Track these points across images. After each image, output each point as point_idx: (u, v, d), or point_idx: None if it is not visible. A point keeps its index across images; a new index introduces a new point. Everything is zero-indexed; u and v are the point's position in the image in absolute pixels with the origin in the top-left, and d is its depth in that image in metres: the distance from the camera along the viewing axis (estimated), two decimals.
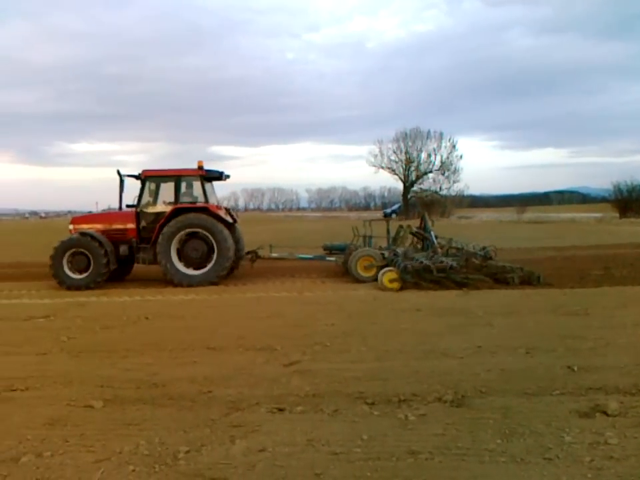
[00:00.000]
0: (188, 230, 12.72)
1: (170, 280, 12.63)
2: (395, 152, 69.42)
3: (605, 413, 4.35)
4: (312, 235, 26.16)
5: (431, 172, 68.36)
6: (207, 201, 13.08)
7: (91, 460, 3.76)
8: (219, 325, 8.32)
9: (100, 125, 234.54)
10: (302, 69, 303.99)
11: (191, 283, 12.51)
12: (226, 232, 12.80)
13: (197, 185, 13.34)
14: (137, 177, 13.39)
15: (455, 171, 67.15)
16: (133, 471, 3.61)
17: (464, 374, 5.49)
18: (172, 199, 13.20)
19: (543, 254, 18.50)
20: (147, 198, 13.33)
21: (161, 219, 12.77)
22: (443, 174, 67.54)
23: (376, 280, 11.74)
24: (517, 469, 3.53)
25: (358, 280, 12.56)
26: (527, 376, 5.37)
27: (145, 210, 13.26)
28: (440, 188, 67.82)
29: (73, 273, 12.59)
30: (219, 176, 14.02)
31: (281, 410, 4.63)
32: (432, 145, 67.83)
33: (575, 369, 5.56)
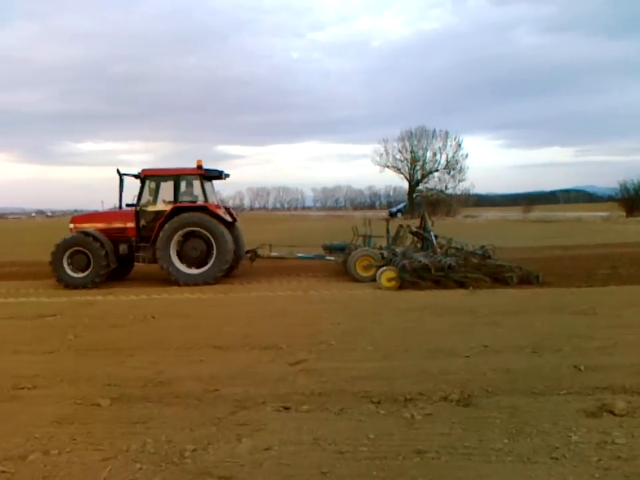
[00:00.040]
0: (187, 229, 12.75)
1: (170, 279, 12.66)
2: (400, 151, 69.15)
3: (612, 413, 4.33)
4: (315, 234, 26.14)
5: (436, 171, 68.07)
6: (206, 200, 13.12)
7: (98, 458, 3.78)
8: (225, 323, 8.34)
9: (106, 124, 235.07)
10: (307, 68, 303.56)
11: (189, 281, 12.54)
12: (225, 231, 12.83)
13: (196, 184, 13.39)
14: (136, 176, 13.45)
15: (461, 170, 66.90)
16: (140, 469, 3.62)
17: (470, 373, 5.48)
18: (172, 198, 13.25)
19: (549, 253, 18.43)
20: (146, 197, 13.38)
21: (161, 218, 12.81)
22: (449, 173, 67.27)
23: (375, 280, 11.73)
24: (524, 469, 3.52)
25: (357, 280, 12.53)
26: (534, 375, 5.35)
27: (144, 209, 13.31)
28: (445, 187, 67.53)
29: (73, 271, 12.66)
30: (219, 175, 14.07)
31: (286, 409, 4.64)
32: (437, 143, 67.55)
33: (582, 368, 5.54)
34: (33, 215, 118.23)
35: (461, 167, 66.75)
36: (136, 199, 13.27)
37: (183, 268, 12.73)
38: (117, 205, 13.55)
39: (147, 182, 13.33)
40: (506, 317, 8.27)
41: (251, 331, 7.67)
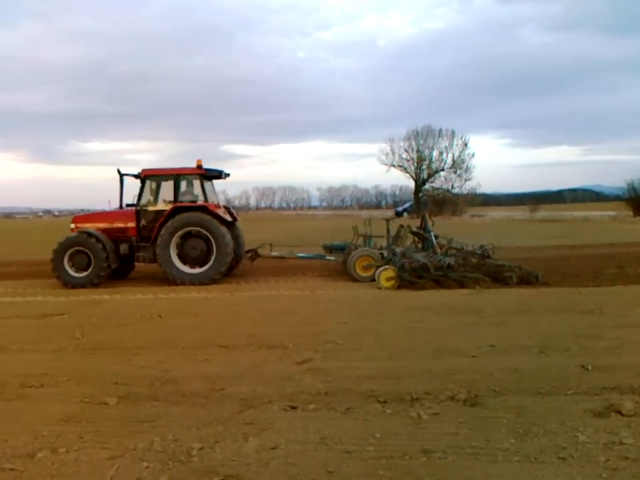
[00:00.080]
0: (187, 229, 12.79)
1: (169, 278, 12.70)
2: (406, 150, 69.09)
3: (620, 413, 4.30)
4: (320, 233, 26.13)
5: (442, 170, 67.94)
6: (206, 199, 13.16)
7: (105, 456, 3.80)
8: (231, 322, 8.37)
9: (112, 124, 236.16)
10: (313, 67, 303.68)
11: (188, 281, 12.57)
12: (224, 231, 12.86)
13: (196, 183, 13.43)
14: (136, 176, 13.51)
15: (467, 169, 66.73)
16: (147, 467, 3.64)
17: (477, 373, 5.46)
18: (172, 198, 13.28)
19: (556, 252, 18.36)
20: (147, 197, 13.43)
21: (161, 218, 12.85)
22: (455, 172, 67.11)
23: (374, 280, 11.70)
24: (531, 469, 3.51)
25: (356, 280, 12.50)
26: (541, 375, 5.33)
27: (145, 209, 13.35)
28: (452, 186, 67.37)
29: (74, 271, 12.73)
30: (219, 175, 14.11)
31: (293, 408, 4.64)
32: (443, 143, 67.45)
33: (589, 368, 5.51)
34: (40, 214, 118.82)
35: (467, 167, 66.68)
36: (136, 198, 13.33)
37: (182, 267, 12.75)
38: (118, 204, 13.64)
39: (147, 182, 13.39)
40: (512, 316, 8.24)
41: (257, 330, 7.68)
